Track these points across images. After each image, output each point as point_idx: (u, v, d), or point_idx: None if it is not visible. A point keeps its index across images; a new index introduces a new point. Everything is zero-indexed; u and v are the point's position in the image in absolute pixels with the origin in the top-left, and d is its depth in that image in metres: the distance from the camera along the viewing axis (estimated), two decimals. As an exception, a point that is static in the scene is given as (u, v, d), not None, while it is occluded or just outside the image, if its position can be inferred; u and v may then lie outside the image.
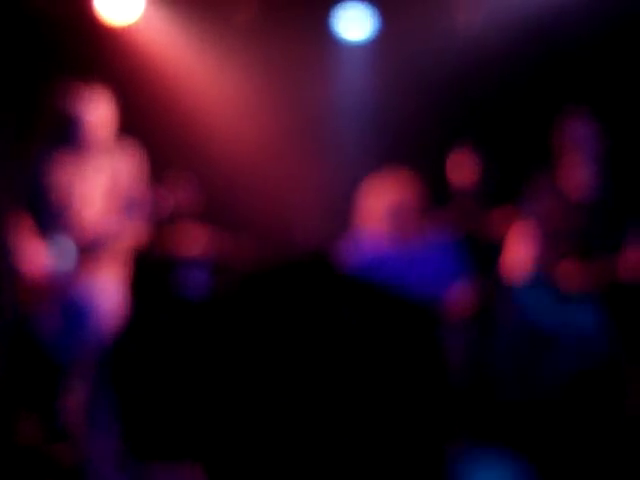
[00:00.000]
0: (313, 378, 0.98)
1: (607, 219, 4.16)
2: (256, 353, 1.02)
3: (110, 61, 5.94)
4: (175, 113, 6.01)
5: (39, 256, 4.18)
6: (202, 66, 6.04)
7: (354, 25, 6.00)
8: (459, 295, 4.34)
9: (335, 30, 6.03)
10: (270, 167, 6.06)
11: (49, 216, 4.25)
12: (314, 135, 6.09)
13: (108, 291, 4.28)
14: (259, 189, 6.15)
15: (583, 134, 4.26)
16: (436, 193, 4.69)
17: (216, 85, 6.07)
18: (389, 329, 1.02)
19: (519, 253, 4.31)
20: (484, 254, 4.53)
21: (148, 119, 6.01)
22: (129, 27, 5.95)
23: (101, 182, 4.29)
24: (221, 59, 5.99)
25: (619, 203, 4.20)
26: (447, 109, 6.02)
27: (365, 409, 1.00)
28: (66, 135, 4.27)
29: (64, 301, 4.23)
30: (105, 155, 4.33)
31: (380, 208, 4.53)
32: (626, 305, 4.27)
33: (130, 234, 4.29)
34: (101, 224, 4.26)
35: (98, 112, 4.27)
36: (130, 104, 5.85)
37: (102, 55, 5.92)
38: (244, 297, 1.10)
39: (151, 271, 5.64)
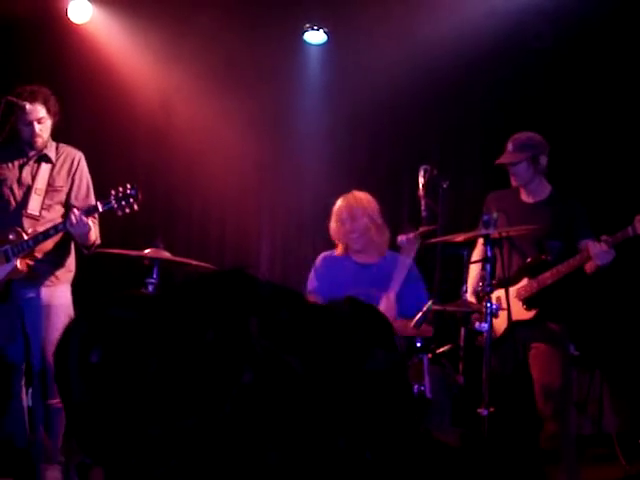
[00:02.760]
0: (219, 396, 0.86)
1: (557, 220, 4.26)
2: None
3: (64, 59, 5.85)
4: (131, 113, 5.92)
5: None
6: (160, 66, 5.95)
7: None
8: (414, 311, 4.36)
9: (298, 30, 6.02)
10: (229, 172, 6.00)
11: None
12: (276, 137, 6.06)
13: (55, 291, 4.25)
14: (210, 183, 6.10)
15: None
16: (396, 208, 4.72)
17: (171, 88, 5.98)
18: (300, 339, 0.88)
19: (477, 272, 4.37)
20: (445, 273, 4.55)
21: (100, 119, 5.92)
22: (84, 25, 5.86)
23: (43, 182, 4.27)
24: (182, 59, 5.90)
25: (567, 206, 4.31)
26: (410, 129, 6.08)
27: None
28: (9, 135, 4.26)
29: (9, 302, 4.20)
30: (48, 155, 4.32)
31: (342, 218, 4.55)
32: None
33: (75, 232, 4.19)
34: (43, 222, 4.22)
35: (41, 113, 4.24)
36: (83, 104, 5.77)
37: (56, 53, 5.83)
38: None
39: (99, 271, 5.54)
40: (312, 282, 4.63)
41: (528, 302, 4.23)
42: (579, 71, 5.80)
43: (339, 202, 4.63)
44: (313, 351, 0.87)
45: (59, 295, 4.26)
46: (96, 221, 4.30)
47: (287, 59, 6.10)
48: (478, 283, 4.34)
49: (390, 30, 5.83)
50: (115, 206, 4.15)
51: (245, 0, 5.93)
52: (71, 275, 4.37)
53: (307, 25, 6.04)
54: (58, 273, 4.29)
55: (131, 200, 4.15)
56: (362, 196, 4.63)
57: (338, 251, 4.66)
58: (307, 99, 6.18)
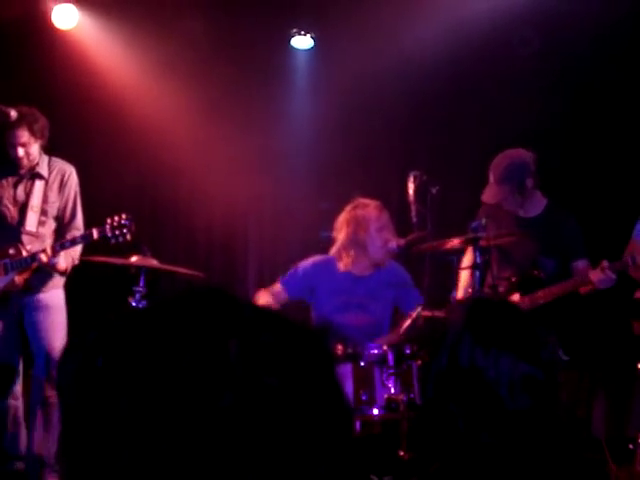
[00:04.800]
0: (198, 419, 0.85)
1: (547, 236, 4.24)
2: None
3: (49, 66, 5.81)
4: (117, 120, 5.88)
5: None
6: (144, 75, 5.92)
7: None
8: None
9: (285, 35, 6.01)
10: (216, 179, 5.97)
11: None
12: (264, 143, 6.04)
13: (51, 295, 4.42)
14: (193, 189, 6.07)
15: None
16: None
17: (158, 95, 5.95)
18: (282, 363, 0.87)
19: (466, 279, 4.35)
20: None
21: (87, 127, 5.89)
22: (69, 31, 5.83)
23: (38, 199, 4.37)
24: (166, 69, 5.87)
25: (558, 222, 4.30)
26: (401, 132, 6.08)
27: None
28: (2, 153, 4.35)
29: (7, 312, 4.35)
30: (41, 172, 4.41)
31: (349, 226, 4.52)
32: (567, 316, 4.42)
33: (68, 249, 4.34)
34: (40, 238, 4.36)
35: (24, 138, 4.30)
36: (69, 111, 5.73)
37: (41, 60, 5.79)
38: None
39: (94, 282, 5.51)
40: (293, 280, 4.56)
41: None
42: (567, 76, 5.81)
43: (375, 209, 4.52)
44: (295, 374, 0.86)
45: (54, 297, 4.43)
46: (78, 247, 4.41)
47: (274, 64, 6.09)
48: (468, 290, 4.33)
49: (377, 35, 5.82)
50: (109, 235, 4.25)
51: (231, 5, 5.90)
52: (63, 279, 4.50)
53: (294, 30, 6.03)
54: (53, 279, 4.42)
55: (124, 230, 4.26)
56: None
57: (344, 266, 4.58)
58: (294, 104, 6.16)
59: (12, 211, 4.35)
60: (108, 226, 4.23)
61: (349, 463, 0.87)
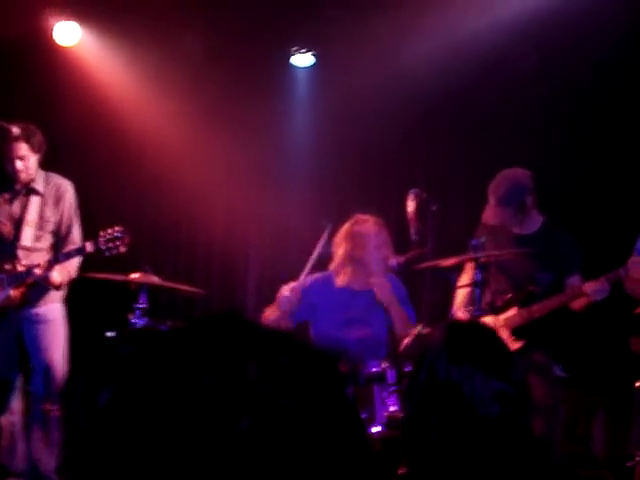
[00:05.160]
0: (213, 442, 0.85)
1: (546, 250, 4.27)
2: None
3: (51, 82, 5.84)
4: (118, 136, 5.90)
5: None
6: (145, 92, 5.94)
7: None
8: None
9: (285, 53, 6.04)
10: (216, 196, 5.99)
11: None
12: (264, 160, 6.06)
13: (49, 309, 4.41)
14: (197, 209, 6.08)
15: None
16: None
17: (159, 111, 5.97)
18: (300, 386, 0.88)
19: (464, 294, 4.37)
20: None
21: (88, 143, 5.91)
22: (71, 48, 5.86)
23: (34, 214, 4.38)
24: (166, 85, 5.90)
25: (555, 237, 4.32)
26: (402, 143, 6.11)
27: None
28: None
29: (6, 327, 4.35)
30: (36, 188, 4.42)
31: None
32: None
33: (67, 264, 4.35)
34: (36, 253, 4.36)
35: (22, 150, 4.32)
36: (70, 127, 5.75)
37: (47, 74, 5.82)
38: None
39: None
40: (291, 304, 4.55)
41: (516, 332, 4.22)
42: (566, 91, 5.84)
43: (374, 226, 4.53)
44: (308, 394, 0.87)
45: (53, 311, 4.42)
46: (74, 260, 4.41)
47: (274, 82, 6.11)
48: (466, 307, 4.34)
49: (378, 53, 5.85)
50: (102, 247, 4.26)
51: (232, 23, 5.93)
52: (62, 294, 4.49)
53: (294, 48, 6.05)
54: (51, 293, 4.41)
55: (118, 242, 4.27)
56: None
57: (341, 281, 4.59)
58: (295, 122, 6.19)
59: (8, 227, 4.36)
60: (101, 239, 4.24)
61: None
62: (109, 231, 4.27)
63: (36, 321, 4.36)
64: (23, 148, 4.32)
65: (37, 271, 4.23)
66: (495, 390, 1.71)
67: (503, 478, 1.73)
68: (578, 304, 4.18)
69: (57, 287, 4.36)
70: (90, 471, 0.88)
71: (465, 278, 4.40)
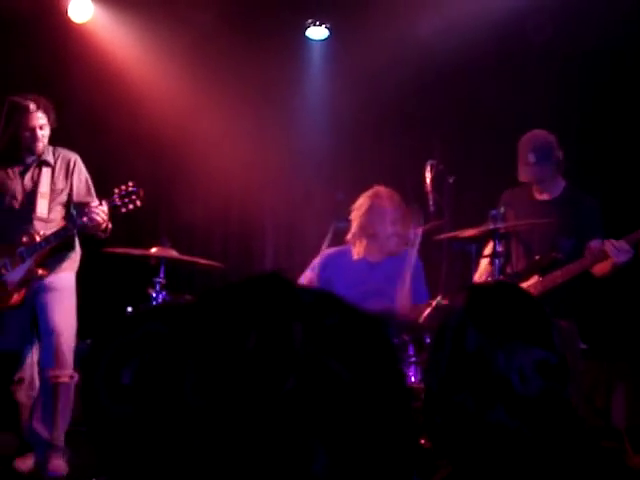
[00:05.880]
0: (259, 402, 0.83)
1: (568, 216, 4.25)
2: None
3: (64, 59, 5.84)
4: (133, 112, 5.89)
5: None
6: (159, 67, 5.93)
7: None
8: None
9: (300, 26, 6.01)
10: (232, 169, 5.98)
11: None
12: (279, 133, 6.03)
13: (59, 277, 4.38)
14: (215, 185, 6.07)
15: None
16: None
17: (173, 86, 5.95)
18: (345, 345, 0.85)
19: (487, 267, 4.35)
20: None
21: (102, 119, 5.91)
22: (85, 25, 5.85)
23: (46, 185, 4.39)
24: (180, 60, 5.88)
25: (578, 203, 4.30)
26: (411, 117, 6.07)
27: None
28: (10, 142, 4.36)
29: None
30: (47, 159, 4.43)
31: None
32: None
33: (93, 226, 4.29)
34: (51, 224, 4.35)
35: (42, 120, 4.35)
36: (84, 104, 5.75)
37: (61, 51, 5.82)
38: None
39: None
40: (310, 279, 4.56)
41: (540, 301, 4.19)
42: (580, 63, 5.78)
43: (389, 200, 4.51)
44: (360, 358, 0.85)
45: (65, 280, 4.40)
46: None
47: (289, 55, 6.08)
48: (486, 278, 4.32)
49: (392, 24, 5.81)
50: (119, 204, 4.28)
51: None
52: (75, 264, 4.48)
53: (309, 21, 6.01)
54: (63, 264, 4.41)
55: (133, 197, 4.30)
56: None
57: (357, 253, 4.59)
58: (310, 95, 6.16)
59: (22, 199, 4.36)
60: (116, 195, 4.27)
61: (409, 448, 0.87)
62: (122, 187, 4.29)
63: (47, 289, 4.33)
64: (42, 118, 4.35)
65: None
66: (537, 360, 1.44)
67: (550, 457, 1.45)
68: (601, 269, 4.13)
69: (102, 228, 4.29)
70: (114, 446, 0.87)
71: (489, 249, 4.39)
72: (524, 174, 4.34)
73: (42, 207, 4.35)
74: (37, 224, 4.33)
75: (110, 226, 4.37)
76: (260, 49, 5.90)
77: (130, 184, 4.30)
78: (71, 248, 4.45)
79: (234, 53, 5.89)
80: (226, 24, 5.88)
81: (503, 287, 1.66)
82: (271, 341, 0.82)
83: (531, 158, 4.28)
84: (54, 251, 4.35)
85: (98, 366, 0.90)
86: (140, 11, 5.85)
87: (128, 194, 4.28)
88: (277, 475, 0.79)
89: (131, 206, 4.29)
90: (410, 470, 0.86)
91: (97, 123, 5.89)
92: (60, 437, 4.28)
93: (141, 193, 4.30)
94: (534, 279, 4.24)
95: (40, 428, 4.26)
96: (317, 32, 6.05)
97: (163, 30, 5.80)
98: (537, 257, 4.26)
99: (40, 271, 4.30)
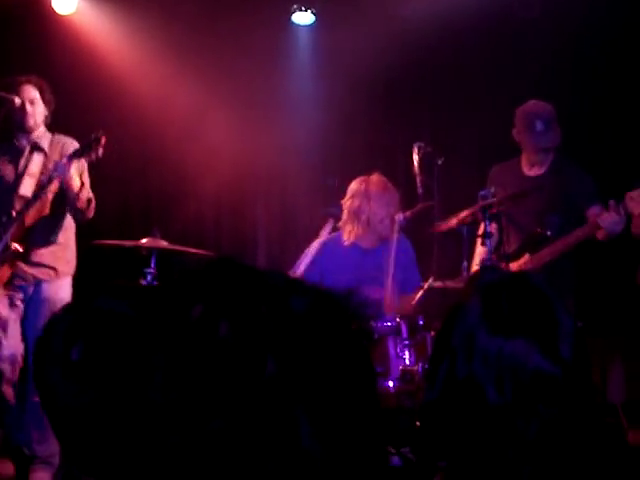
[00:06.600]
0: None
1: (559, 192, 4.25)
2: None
3: (48, 52, 5.81)
4: (120, 104, 5.87)
5: None
6: (145, 58, 5.89)
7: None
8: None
9: (286, 12, 5.98)
10: (222, 157, 5.96)
11: None
12: (267, 120, 6.01)
13: (54, 286, 4.29)
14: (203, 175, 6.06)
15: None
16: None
17: (160, 76, 5.92)
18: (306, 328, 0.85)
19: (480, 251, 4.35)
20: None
21: (89, 112, 5.88)
22: (69, 16, 5.82)
23: (36, 167, 4.31)
24: (166, 49, 5.84)
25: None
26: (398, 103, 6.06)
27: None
28: (4, 122, 4.30)
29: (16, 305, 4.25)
30: (40, 144, 4.37)
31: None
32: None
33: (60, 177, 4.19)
34: (36, 210, 4.23)
35: (32, 93, 4.31)
36: (69, 97, 5.72)
37: (45, 43, 5.79)
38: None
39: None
40: (305, 266, 4.55)
41: None
42: (569, 40, 5.76)
43: (379, 185, 4.53)
44: (325, 340, 0.84)
45: (59, 289, 4.30)
46: (86, 180, 4.30)
47: (275, 41, 6.05)
48: (480, 259, 4.33)
49: (378, 8, 5.78)
50: (82, 153, 4.14)
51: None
52: (71, 267, 4.40)
53: (295, 6, 5.99)
54: (58, 267, 4.31)
55: (95, 145, 4.12)
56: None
57: (347, 238, 4.59)
58: (297, 80, 6.13)
59: (10, 180, 4.30)
60: (81, 146, 4.17)
61: (375, 416, 0.87)
62: (86, 140, 4.16)
63: (38, 300, 4.23)
64: (33, 91, 4.30)
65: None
66: (534, 370, 1.24)
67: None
68: (600, 234, 4.13)
69: (76, 195, 4.18)
70: (76, 432, 0.86)
71: (481, 229, 4.39)
72: (534, 142, 4.33)
73: (26, 186, 4.25)
74: (18, 203, 4.23)
75: (88, 195, 4.24)
76: (246, 35, 5.88)
77: (92, 135, 4.14)
78: (66, 246, 4.37)
79: (219, 40, 5.86)
80: (211, 11, 5.85)
81: (518, 278, 1.43)
82: (245, 325, 0.81)
83: (539, 126, 4.29)
84: (46, 248, 4.25)
85: (51, 340, 0.88)
86: (124, 2, 5.82)
87: (90, 142, 4.12)
88: (272, 455, 0.78)
89: (94, 155, 4.12)
90: (379, 437, 0.86)
91: (83, 115, 5.85)
92: (55, 454, 4.15)
93: (103, 140, 4.10)
94: (524, 258, 4.24)
95: (39, 448, 4.15)
96: (303, 17, 6.02)
97: (148, 21, 5.77)
98: (522, 240, 4.28)
99: (15, 246, 4.15)
